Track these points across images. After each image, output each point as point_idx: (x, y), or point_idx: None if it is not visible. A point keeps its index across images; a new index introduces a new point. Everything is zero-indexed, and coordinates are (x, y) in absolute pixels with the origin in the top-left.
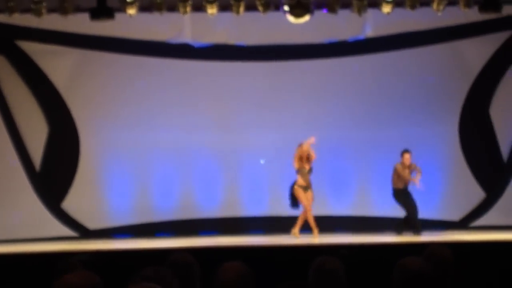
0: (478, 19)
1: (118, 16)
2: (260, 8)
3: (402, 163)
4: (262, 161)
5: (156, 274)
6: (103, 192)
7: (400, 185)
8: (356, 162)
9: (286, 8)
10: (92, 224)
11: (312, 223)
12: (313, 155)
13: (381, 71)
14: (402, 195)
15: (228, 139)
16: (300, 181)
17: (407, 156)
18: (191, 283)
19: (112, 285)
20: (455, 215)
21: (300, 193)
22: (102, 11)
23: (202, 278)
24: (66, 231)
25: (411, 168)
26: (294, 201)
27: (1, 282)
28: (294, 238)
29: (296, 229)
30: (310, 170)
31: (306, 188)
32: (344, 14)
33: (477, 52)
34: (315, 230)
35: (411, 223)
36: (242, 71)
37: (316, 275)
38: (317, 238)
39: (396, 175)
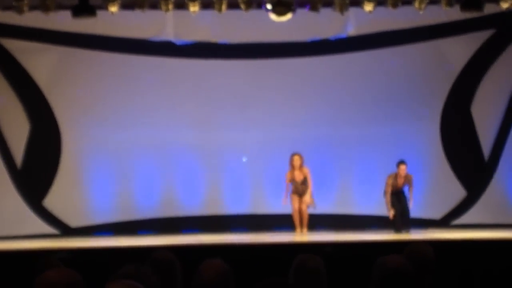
0: (460, 18)
1: (100, 13)
2: (242, 6)
3: (398, 174)
4: (244, 159)
5: (137, 271)
6: (84, 190)
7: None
8: (338, 160)
9: (268, 6)
10: (73, 222)
11: (296, 222)
12: (306, 170)
13: (363, 70)
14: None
15: (210, 137)
16: (293, 188)
17: (402, 167)
18: (172, 281)
19: (93, 283)
20: (436, 214)
21: (293, 198)
22: (84, 9)
23: (184, 276)
24: (48, 229)
25: (407, 179)
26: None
27: None
28: (281, 236)
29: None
30: (303, 181)
31: (300, 194)
32: (326, 13)
33: (459, 51)
34: (298, 229)
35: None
36: (225, 69)
37: (297, 273)
38: (297, 237)
39: (387, 185)
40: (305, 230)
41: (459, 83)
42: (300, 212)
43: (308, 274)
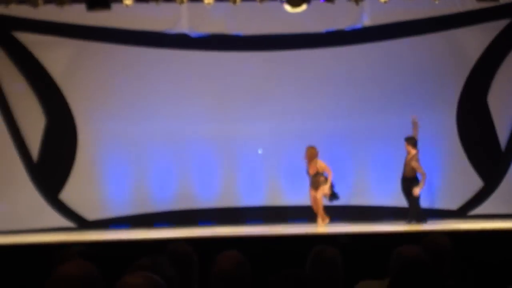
0: (475, 8)
1: (115, 6)
2: None
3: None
4: (260, 151)
5: (154, 263)
6: (101, 183)
7: (410, 174)
8: (353, 151)
9: None
10: (90, 215)
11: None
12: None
13: (379, 60)
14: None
15: (226, 129)
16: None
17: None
18: (189, 273)
19: (110, 275)
20: (453, 204)
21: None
22: (99, 2)
23: (200, 268)
24: (64, 222)
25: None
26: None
27: None
28: (297, 228)
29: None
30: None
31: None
32: (341, 3)
33: (474, 41)
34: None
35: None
36: (240, 61)
37: (314, 263)
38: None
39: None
40: (320, 219)
41: (475, 73)
42: (315, 200)
43: (325, 264)
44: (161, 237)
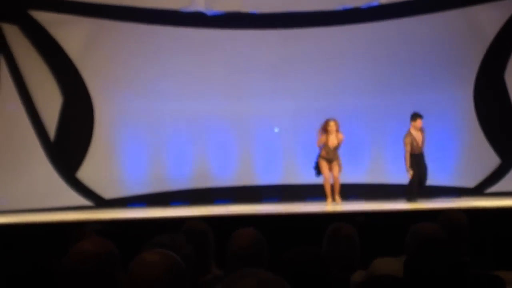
0: None
1: None
2: None
3: (414, 129)
4: (276, 130)
5: (171, 241)
6: (117, 161)
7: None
8: (370, 129)
9: None
10: (107, 193)
11: (328, 191)
12: (341, 136)
13: (395, 38)
14: (414, 161)
15: (242, 108)
16: (323, 153)
17: (419, 121)
18: (206, 250)
19: (127, 253)
20: (470, 182)
21: (322, 164)
22: None
23: (216, 245)
24: (82, 201)
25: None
26: (318, 171)
27: (16, 251)
28: (313, 206)
29: (331, 198)
30: (336, 147)
31: (330, 160)
32: None
33: (491, 18)
34: (329, 199)
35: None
36: (255, 39)
37: (330, 240)
38: (329, 207)
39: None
40: (337, 197)
41: (492, 50)
42: (334, 179)
43: (341, 242)
44: (177, 215)
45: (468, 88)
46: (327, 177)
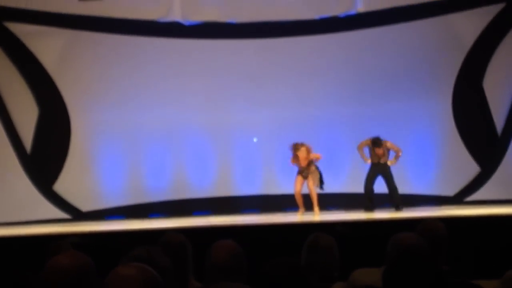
0: None
1: None
2: None
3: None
4: (255, 139)
5: (148, 253)
6: (95, 173)
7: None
8: (350, 138)
9: None
10: (84, 206)
11: (298, 203)
12: (317, 156)
13: (373, 46)
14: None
15: (220, 118)
16: (299, 169)
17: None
18: (184, 263)
19: (104, 266)
20: (450, 190)
21: (296, 178)
22: None
23: (195, 258)
24: (59, 214)
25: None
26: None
27: None
28: (293, 216)
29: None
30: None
31: (305, 176)
32: None
33: (469, 25)
34: (300, 210)
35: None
36: (233, 49)
37: (310, 250)
38: (300, 216)
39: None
40: (316, 208)
41: (471, 58)
42: (309, 191)
43: (320, 252)
44: (155, 227)
45: (447, 96)
46: (296, 190)
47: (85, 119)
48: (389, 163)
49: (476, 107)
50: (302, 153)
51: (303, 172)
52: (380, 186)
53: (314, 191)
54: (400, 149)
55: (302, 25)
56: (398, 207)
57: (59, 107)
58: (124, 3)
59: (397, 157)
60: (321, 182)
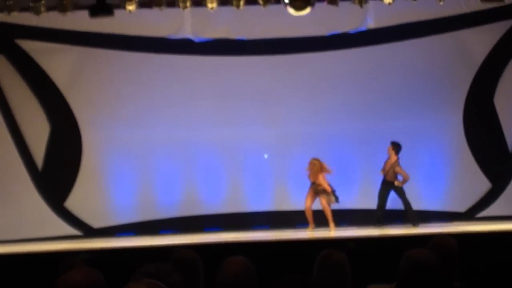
0: (480, 8)
1: (118, 12)
2: (260, 1)
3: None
4: (265, 156)
5: (158, 270)
6: (106, 190)
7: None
8: (360, 154)
9: (286, 0)
10: (95, 222)
11: (308, 218)
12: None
13: (384, 63)
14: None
15: (231, 134)
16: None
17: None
18: (195, 279)
19: (116, 283)
20: (461, 207)
21: (307, 194)
22: (101, 8)
23: (206, 274)
24: (70, 230)
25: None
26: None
27: (5, 282)
28: (304, 233)
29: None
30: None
31: (316, 192)
32: (345, 6)
33: (480, 42)
34: (310, 226)
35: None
36: (244, 66)
37: (321, 268)
38: (310, 233)
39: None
40: (331, 225)
41: (481, 74)
42: (322, 208)
43: (332, 269)
44: (166, 244)
45: (457, 112)
46: (307, 206)
47: (96, 136)
48: (396, 183)
49: (487, 124)
50: (317, 168)
51: (315, 188)
52: (392, 202)
53: (328, 207)
54: (408, 176)
55: (312, 41)
56: (414, 223)
57: (70, 124)
58: (135, 20)
59: (404, 181)
60: (335, 197)
